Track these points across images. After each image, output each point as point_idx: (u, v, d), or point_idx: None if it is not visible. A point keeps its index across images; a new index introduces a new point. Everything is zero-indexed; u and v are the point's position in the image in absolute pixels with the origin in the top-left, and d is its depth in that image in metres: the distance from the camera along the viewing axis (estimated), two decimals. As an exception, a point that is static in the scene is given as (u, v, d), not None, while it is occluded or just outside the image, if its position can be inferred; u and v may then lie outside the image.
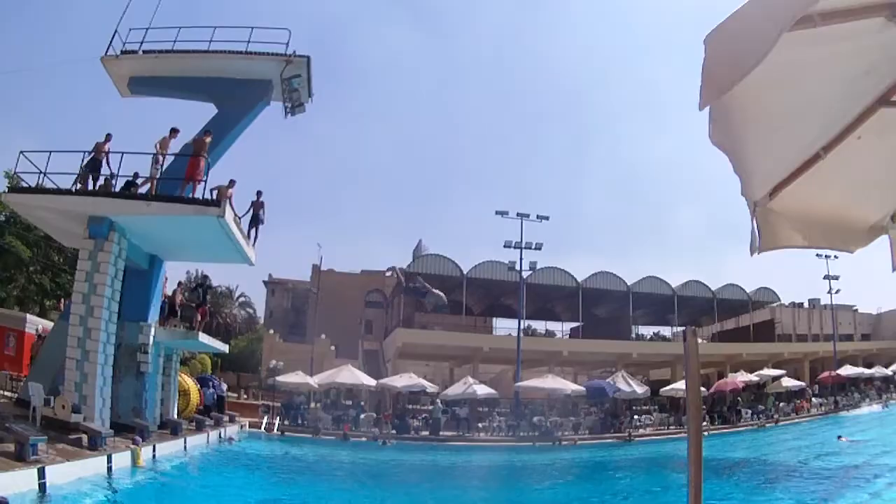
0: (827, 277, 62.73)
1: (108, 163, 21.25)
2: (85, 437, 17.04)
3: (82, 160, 21.04)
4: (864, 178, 4.11)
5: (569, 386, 43.44)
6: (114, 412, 20.30)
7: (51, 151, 20.75)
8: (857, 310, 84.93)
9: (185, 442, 22.83)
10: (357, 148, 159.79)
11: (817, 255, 59.96)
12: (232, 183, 21.98)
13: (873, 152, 3.77)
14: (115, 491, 14.75)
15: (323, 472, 24.05)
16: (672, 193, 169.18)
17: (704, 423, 41.62)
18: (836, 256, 60.23)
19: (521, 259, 48.25)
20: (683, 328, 3.23)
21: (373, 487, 20.82)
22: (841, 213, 4.35)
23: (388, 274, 65.45)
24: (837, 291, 63.52)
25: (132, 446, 18.00)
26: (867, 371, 59.80)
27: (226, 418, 30.95)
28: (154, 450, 19.44)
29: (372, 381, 40.80)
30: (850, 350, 71.26)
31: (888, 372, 59.67)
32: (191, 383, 30.09)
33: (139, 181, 21.64)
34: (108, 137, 21.81)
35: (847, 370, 57.38)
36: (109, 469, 16.07)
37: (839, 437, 29.98)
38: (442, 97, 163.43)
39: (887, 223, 4.39)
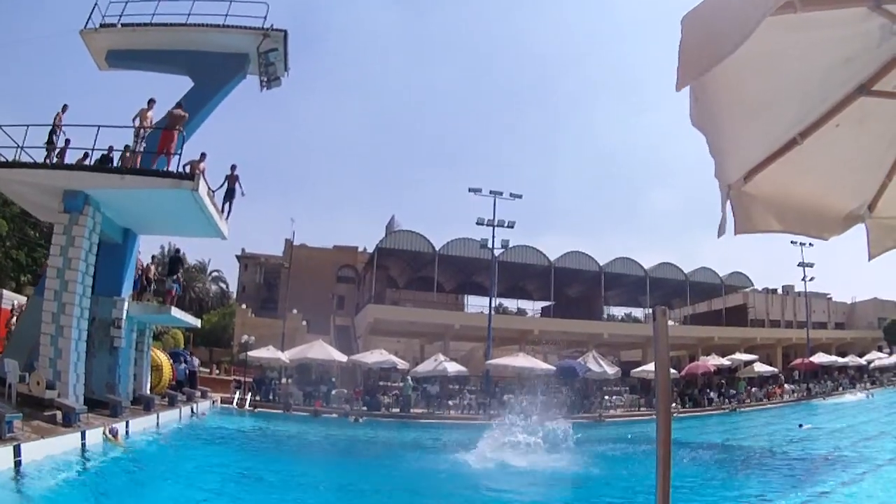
0: (801, 265, 63.06)
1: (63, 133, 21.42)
2: (59, 414, 16.94)
3: (51, 133, 21.09)
4: (842, 166, 4.10)
5: (539, 365, 43.53)
6: (87, 388, 20.20)
7: (28, 125, 20.61)
8: (831, 298, 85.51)
9: (157, 418, 22.84)
10: (332, 123, 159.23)
11: (791, 242, 60.60)
12: (203, 156, 21.99)
13: (851, 141, 3.77)
14: (88, 468, 14.72)
15: (295, 449, 24.12)
16: (647, 176, 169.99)
17: (675, 406, 42.09)
18: (810, 244, 60.62)
19: (493, 237, 48.41)
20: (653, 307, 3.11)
21: (344, 465, 20.83)
22: (817, 200, 4.30)
23: None
24: (811, 279, 63.97)
25: (110, 435, 17.70)
26: (841, 359, 60.41)
27: (198, 394, 30.94)
28: (127, 426, 19.34)
29: (343, 357, 40.85)
30: (824, 338, 71.77)
31: (862, 361, 60.40)
32: (163, 358, 29.87)
33: (113, 155, 21.58)
34: (65, 108, 22.00)
35: (820, 358, 57.84)
36: (83, 446, 16.01)
37: (800, 425, 30.46)
38: (417, 74, 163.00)
39: (864, 212, 4.36)
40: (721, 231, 3.71)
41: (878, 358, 62.01)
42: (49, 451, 14.34)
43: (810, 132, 3.56)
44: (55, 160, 20.74)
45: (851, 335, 77.47)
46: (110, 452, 16.74)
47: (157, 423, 22.53)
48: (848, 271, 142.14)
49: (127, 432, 19.03)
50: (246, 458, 20.52)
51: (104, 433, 17.56)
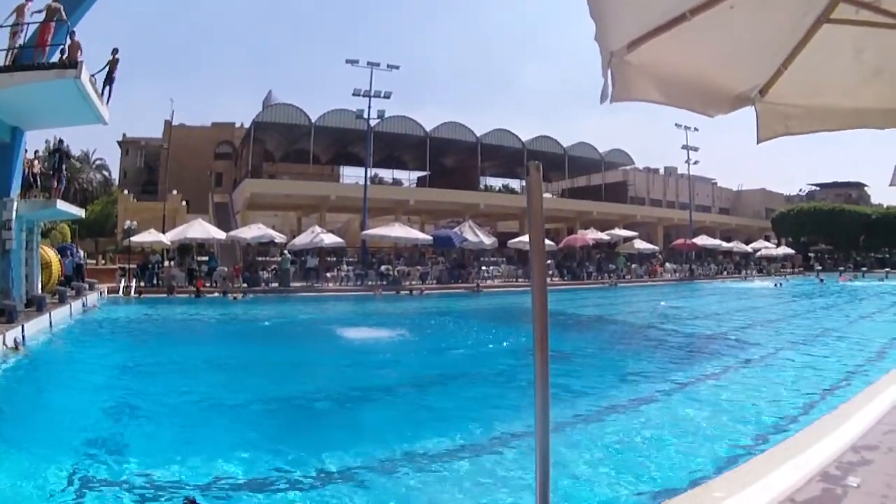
0: (685, 147, 63.95)
1: None
2: (-40, 328, 16.64)
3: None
4: (733, 48, 4.09)
5: (416, 235, 45.04)
6: (-18, 296, 19.89)
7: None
8: (716, 183, 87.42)
9: (50, 317, 22.78)
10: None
11: (676, 125, 61.94)
12: (77, 43, 21.56)
13: (746, 24, 3.76)
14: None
15: (179, 333, 24.67)
16: (528, 51, 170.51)
17: (552, 276, 44.23)
18: (695, 129, 61.92)
19: (369, 107, 49.15)
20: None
21: (228, 345, 21.42)
22: (705, 77, 4.28)
23: None
24: (696, 163, 65.21)
25: (13, 346, 17.69)
26: (725, 244, 62.25)
27: (86, 287, 30.81)
28: (23, 330, 19.09)
29: (222, 235, 41.30)
30: (708, 221, 74.47)
31: (748, 248, 62.73)
32: (52, 255, 29.77)
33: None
34: None
35: (704, 240, 59.39)
36: (-16, 357, 15.99)
37: (661, 302, 33.10)
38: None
39: (755, 96, 4.41)
40: (603, 97, 3.66)
41: (766, 247, 64.64)
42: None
43: (702, 10, 3.49)
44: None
45: (737, 221, 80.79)
46: (10, 360, 16.69)
47: (51, 323, 22.53)
48: (734, 162, 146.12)
49: (23, 337, 18.77)
50: (140, 348, 20.75)
51: (6, 345, 17.54)
